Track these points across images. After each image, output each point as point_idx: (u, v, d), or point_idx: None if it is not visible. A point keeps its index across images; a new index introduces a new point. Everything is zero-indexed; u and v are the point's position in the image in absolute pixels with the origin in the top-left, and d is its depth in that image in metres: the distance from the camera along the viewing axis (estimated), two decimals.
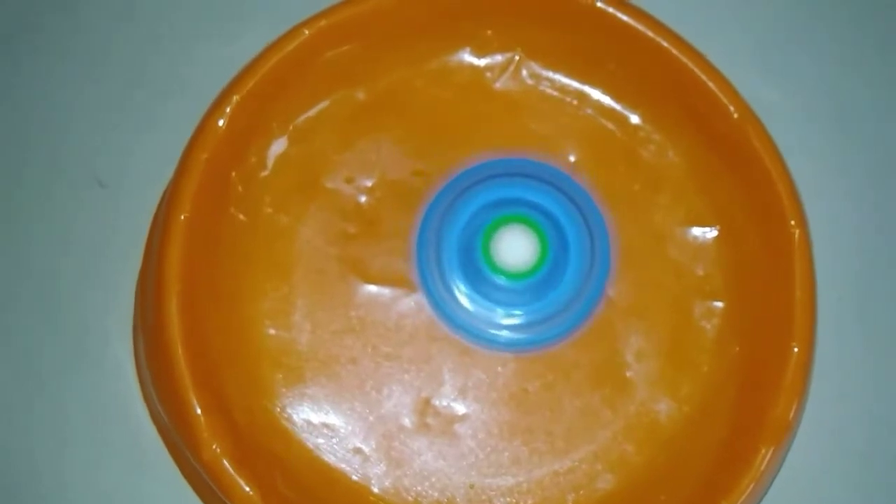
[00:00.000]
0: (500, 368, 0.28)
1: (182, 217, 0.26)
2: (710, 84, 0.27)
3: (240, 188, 0.28)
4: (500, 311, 0.28)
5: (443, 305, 0.28)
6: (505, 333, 0.28)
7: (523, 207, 0.28)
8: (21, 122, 0.31)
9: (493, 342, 0.28)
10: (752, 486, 0.24)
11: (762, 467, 0.25)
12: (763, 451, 0.25)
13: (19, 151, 0.30)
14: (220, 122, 0.26)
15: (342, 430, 0.27)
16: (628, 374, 0.27)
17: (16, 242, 0.30)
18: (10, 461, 0.28)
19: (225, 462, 0.25)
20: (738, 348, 0.27)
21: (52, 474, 0.28)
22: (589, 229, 0.28)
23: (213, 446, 0.25)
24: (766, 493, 0.27)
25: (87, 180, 0.30)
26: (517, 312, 0.28)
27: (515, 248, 0.28)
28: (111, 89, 0.31)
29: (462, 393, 0.28)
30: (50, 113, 0.31)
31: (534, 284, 0.28)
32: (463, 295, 0.28)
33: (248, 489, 0.25)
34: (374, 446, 0.27)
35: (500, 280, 0.28)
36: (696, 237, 0.29)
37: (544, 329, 0.28)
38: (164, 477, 0.28)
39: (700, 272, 0.28)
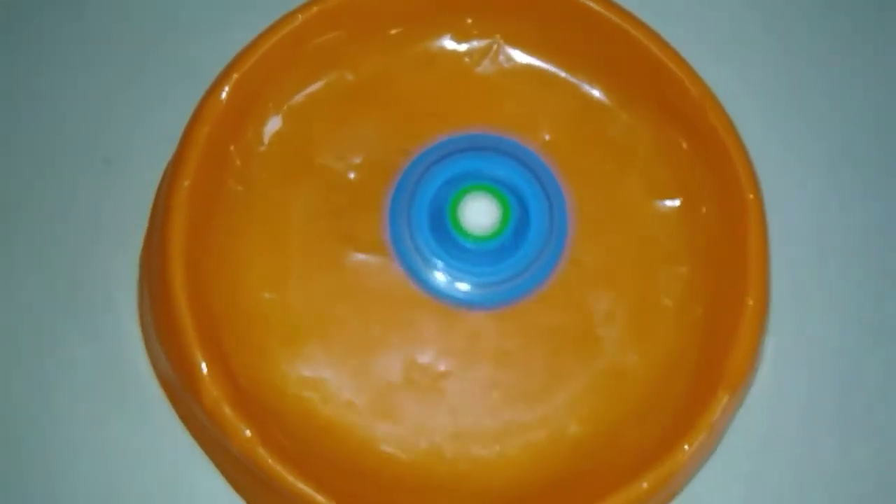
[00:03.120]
0: (475, 328, 0.30)
1: (186, 184, 0.28)
2: (672, 66, 0.30)
3: (238, 162, 0.30)
4: (470, 272, 0.30)
5: (420, 272, 0.30)
6: (476, 293, 0.30)
7: (488, 179, 0.30)
8: (31, 105, 0.33)
9: (466, 303, 0.30)
10: (709, 427, 0.27)
11: (719, 411, 0.27)
12: (721, 395, 0.27)
13: (32, 132, 0.32)
14: (221, 97, 0.28)
15: (334, 386, 0.29)
16: (598, 331, 0.30)
17: (27, 214, 0.32)
18: (16, 413, 0.30)
19: (225, 407, 0.26)
20: (700, 310, 0.29)
21: (60, 425, 0.30)
22: (549, 198, 0.30)
23: (214, 392, 0.27)
24: (721, 438, 0.29)
25: (93, 157, 0.32)
26: (485, 273, 0.30)
27: (480, 214, 0.30)
28: (116, 73, 0.33)
29: (443, 351, 0.29)
30: (59, 96, 0.33)
31: (498, 247, 0.30)
32: (438, 260, 0.30)
33: (247, 432, 0.26)
34: (364, 400, 0.29)
35: (468, 244, 0.30)
36: (659, 208, 0.31)
37: (511, 287, 0.30)
38: (167, 429, 0.29)
39: (663, 240, 0.31)
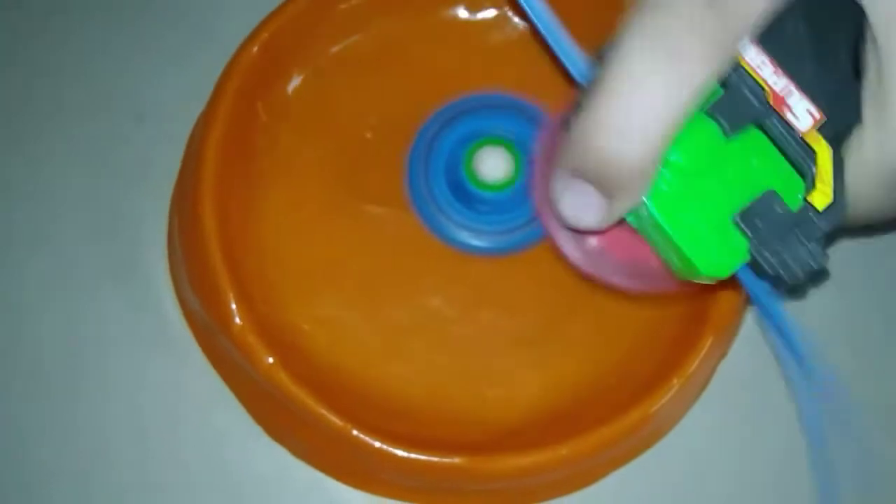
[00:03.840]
0: (483, 275, 0.32)
1: (218, 133, 0.30)
2: None
3: (264, 117, 0.32)
4: (481, 221, 0.32)
5: (432, 221, 0.32)
6: (486, 241, 0.32)
7: (500, 134, 0.33)
8: (69, 63, 0.35)
9: (476, 250, 0.32)
10: (695, 365, 0.29)
11: (705, 350, 0.29)
12: (707, 337, 0.29)
13: (69, 89, 0.35)
14: (252, 54, 0.31)
15: (348, 326, 0.31)
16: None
17: (63, 166, 0.34)
18: (46, 350, 0.32)
19: (251, 336, 0.29)
20: None
21: (92, 362, 0.32)
22: None
23: (242, 322, 0.29)
24: (709, 380, 0.31)
25: (127, 114, 0.34)
26: (495, 222, 0.32)
27: (493, 165, 0.32)
28: (149, 34, 0.35)
29: (451, 297, 0.32)
30: (96, 56, 0.35)
31: (509, 198, 0.32)
32: (451, 209, 0.32)
33: (269, 359, 0.29)
34: (376, 340, 0.31)
35: (481, 193, 0.32)
36: None
37: (518, 236, 0.32)
38: (194, 364, 0.32)
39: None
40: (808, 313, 0.33)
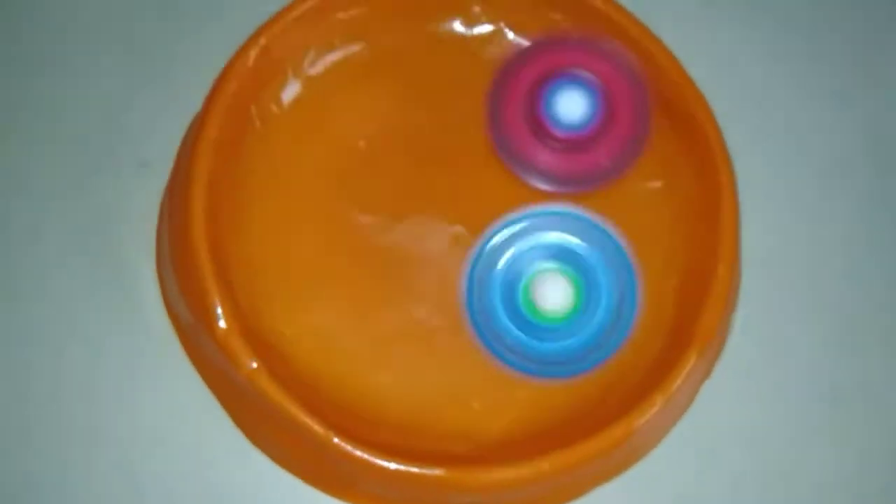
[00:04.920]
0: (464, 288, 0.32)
1: (212, 134, 0.30)
2: (658, 56, 0.32)
3: (257, 122, 0.32)
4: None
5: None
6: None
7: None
8: (60, 60, 0.35)
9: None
10: (678, 383, 0.29)
11: (688, 368, 0.29)
12: (690, 355, 0.29)
13: (59, 85, 0.34)
14: (249, 59, 0.31)
15: (334, 333, 0.31)
16: None
17: (51, 164, 0.34)
18: (28, 347, 0.32)
19: (235, 339, 0.29)
20: (675, 280, 0.32)
21: (78, 362, 0.32)
22: None
23: (227, 325, 0.29)
24: (695, 394, 0.31)
25: (119, 113, 0.34)
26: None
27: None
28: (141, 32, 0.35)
29: (437, 308, 0.31)
30: (88, 53, 0.35)
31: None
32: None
33: (254, 364, 0.29)
34: (362, 349, 0.31)
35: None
36: (645, 188, 0.33)
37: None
38: (178, 367, 0.31)
39: (646, 218, 0.33)
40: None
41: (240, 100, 0.31)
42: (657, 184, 0.33)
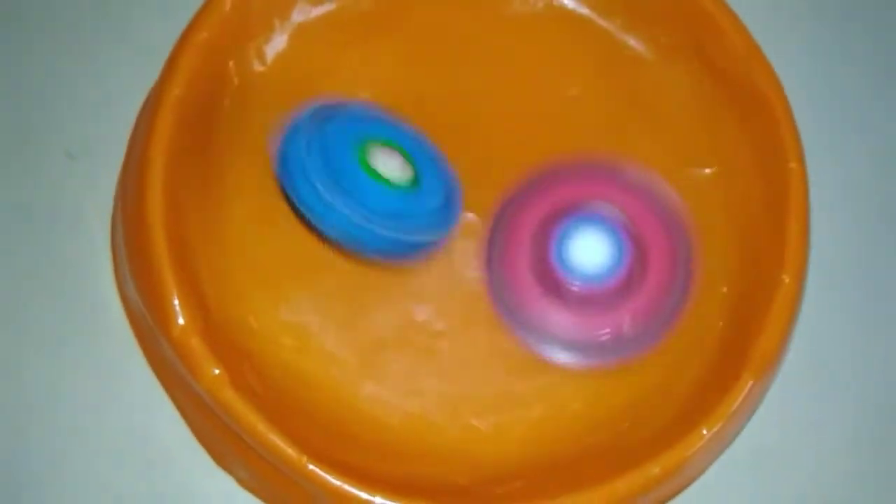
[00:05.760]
0: (479, 287, 0.27)
1: (175, 93, 0.26)
2: (720, 20, 0.28)
3: (236, 80, 0.28)
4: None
5: None
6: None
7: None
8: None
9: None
10: (730, 412, 0.24)
11: (742, 396, 0.24)
12: (746, 380, 0.25)
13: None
14: (225, 4, 0.26)
15: (317, 335, 0.27)
16: None
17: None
18: None
19: (194, 339, 0.24)
20: (725, 288, 0.27)
21: (25, 355, 0.28)
22: None
23: (184, 322, 0.24)
24: (745, 425, 0.27)
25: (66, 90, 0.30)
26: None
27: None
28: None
29: (442, 310, 0.27)
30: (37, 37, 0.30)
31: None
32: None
33: (215, 370, 0.24)
34: (350, 354, 0.27)
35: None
36: (691, 175, 0.29)
37: None
38: (132, 367, 0.27)
39: (693, 211, 0.28)
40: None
41: (213, 53, 0.27)
42: (708, 170, 0.29)
